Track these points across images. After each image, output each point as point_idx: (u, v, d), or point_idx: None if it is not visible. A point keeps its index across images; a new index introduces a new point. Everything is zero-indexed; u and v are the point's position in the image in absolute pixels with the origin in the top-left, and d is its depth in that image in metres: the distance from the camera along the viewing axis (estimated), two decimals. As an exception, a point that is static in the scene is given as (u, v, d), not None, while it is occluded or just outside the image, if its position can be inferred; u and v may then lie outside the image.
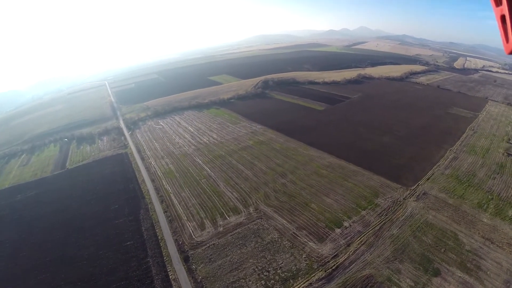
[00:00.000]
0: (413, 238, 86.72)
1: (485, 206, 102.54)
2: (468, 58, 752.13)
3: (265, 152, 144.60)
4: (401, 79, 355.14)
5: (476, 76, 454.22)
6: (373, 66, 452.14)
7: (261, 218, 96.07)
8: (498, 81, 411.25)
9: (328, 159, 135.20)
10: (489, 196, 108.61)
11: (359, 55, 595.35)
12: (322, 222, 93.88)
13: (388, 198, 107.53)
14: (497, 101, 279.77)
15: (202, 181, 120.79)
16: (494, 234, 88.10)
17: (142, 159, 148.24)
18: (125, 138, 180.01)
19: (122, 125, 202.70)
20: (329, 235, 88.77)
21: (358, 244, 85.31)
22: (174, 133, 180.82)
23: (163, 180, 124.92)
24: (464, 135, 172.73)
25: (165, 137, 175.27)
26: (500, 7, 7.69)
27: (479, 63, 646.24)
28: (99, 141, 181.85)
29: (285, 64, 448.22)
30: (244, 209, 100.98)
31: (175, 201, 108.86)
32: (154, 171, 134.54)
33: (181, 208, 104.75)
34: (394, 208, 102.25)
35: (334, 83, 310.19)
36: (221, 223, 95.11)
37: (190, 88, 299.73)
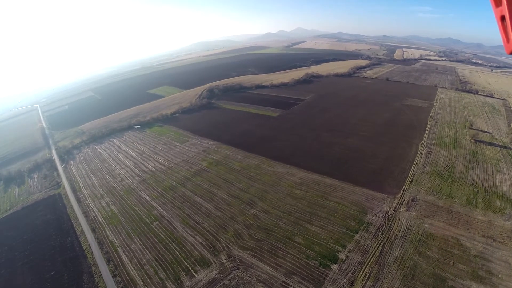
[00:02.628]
0: (418, 257, 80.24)
1: (474, 201, 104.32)
2: (404, 49, 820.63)
3: (223, 175, 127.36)
4: (349, 74, 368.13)
5: (417, 65, 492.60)
6: (317, 64, 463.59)
7: (238, 268, 78.38)
8: (439, 68, 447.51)
9: (299, 175, 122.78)
10: (475, 189, 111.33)
11: (300, 54, 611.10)
12: (313, 259, 79.61)
13: (378, 213, 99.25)
14: (445, 88, 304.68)
15: (154, 224, 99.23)
16: (492, 231, 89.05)
17: (78, 200, 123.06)
18: (58, 174, 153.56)
19: (55, 156, 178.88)
20: (326, 275, 74.85)
21: (363, 280, 73.66)
22: (114, 161, 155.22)
23: (106, 229, 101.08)
24: (428, 127, 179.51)
25: (103, 168, 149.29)
26: (500, 8, 7.83)
27: (416, 53, 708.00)
28: (29, 180, 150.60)
29: (229, 69, 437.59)
30: (214, 259, 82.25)
31: (125, 258, 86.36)
32: (93, 216, 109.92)
33: (133, 267, 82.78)
34: (388, 224, 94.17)
35: (283, 85, 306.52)
36: (188, 283, 75.37)
37: (129, 105, 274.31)
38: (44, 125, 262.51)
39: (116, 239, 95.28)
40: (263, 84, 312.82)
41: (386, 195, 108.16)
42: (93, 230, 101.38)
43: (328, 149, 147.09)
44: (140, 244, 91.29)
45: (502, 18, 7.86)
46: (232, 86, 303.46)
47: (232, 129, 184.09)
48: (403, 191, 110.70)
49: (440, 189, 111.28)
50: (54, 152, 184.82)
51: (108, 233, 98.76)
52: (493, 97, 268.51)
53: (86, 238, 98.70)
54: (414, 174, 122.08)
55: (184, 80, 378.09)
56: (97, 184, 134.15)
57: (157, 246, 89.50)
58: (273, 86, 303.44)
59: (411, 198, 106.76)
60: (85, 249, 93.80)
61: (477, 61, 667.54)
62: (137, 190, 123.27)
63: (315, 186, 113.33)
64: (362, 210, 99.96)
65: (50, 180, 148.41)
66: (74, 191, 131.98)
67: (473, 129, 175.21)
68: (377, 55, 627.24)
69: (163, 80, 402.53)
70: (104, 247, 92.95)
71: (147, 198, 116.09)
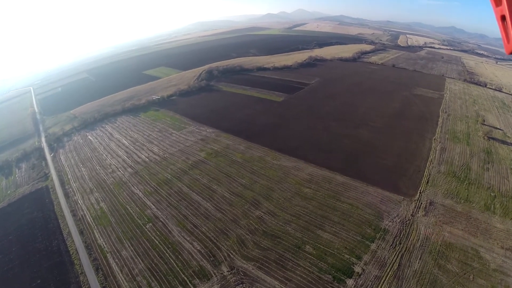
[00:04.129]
0: (438, 270, 72.74)
1: (492, 207, 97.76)
2: (408, 35, 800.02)
3: (224, 168, 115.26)
4: (353, 59, 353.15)
5: (422, 53, 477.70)
6: (320, 47, 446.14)
7: (243, 283, 67.76)
8: (445, 57, 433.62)
9: (307, 170, 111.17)
10: (492, 194, 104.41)
11: (302, 37, 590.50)
12: (326, 273, 69.50)
13: (395, 218, 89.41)
14: (453, 78, 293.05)
15: (147, 226, 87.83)
16: (511, 241, 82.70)
17: (66, 196, 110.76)
18: (47, 164, 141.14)
19: (44, 144, 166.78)
20: (341, 294, 64.73)
21: (381, 299, 63.54)
22: (105, 150, 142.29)
23: (94, 231, 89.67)
24: (440, 120, 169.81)
25: (94, 158, 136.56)
26: (500, 7, 7.83)
27: (421, 40, 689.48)
28: (17, 170, 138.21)
29: (228, 50, 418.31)
30: (215, 270, 71.32)
31: (115, 267, 75.44)
32: (82, 215, 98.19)
33: (125, 278, 71.99)
34: (405, 231, 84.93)
35: (286, 68, 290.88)
36: (185, 301, 65.05)
37: (124, 87, 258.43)
38: (36, 110, 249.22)
39: (106, 244, 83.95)
40: (264, 66, 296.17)
41: (402, 197, 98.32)
42: (81, 232, 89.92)
43: (338, 141, 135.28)
44: (132, 250, 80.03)
45: (503, 18, 7.79)
46: (232, 67, 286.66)
47: (232, 115, 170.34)
48: (420, 192, 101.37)
49: (458, 192, 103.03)
50: (43, 139, 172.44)
51: (97, 236, 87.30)
52: (502, 91, 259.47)
53: (73, 241, 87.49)
54: (430, 174, 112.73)
55: (182, 61, 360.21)
56: (86, 176, 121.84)
57: (150, 253, 78.25)
58: (276, 69, 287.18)
59: (428, 201, 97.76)
60: (72, 254, 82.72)
61: (481, 52, 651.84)
62: (129, 184, 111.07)
63: (326, 184, 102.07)
64: (377, 214, 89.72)
65: (38, 170, 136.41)
66: (62, 183, 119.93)
67: (485, 125, 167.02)
68: (381, 40, 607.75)
69: (160, 61, 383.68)
70: (92, 252, 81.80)
71: (140, 194, 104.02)
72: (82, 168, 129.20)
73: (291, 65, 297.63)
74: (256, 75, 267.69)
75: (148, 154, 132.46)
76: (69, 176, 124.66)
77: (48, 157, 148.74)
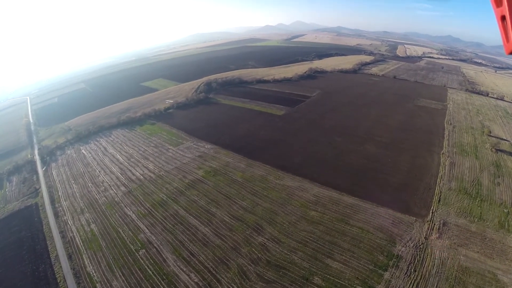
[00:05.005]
0: None
1: (506, 224, 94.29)
2: (406, 45, 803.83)
3: (223, 188, 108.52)
4: (354, 71, 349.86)
5: (422, 63, 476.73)
6: (320, 59, 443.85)
7: (244, 325, 61.01)
8: (445, 67, 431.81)
9: (312, 191, 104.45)
10: (505, 210, 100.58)
11: (301, 48, 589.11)
12: (338, 311, 62.47)
13: (408, 242, 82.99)
14: (455, 88, 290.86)
15: (140, 253, 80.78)
16: None
17: (56, 215, 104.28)
18: (38, 178, 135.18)
19: (37, 157, 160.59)
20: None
21: None
22: (99, 166, 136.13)
23: (84, 256, 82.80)
24: (446, 132, 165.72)
25: (86, 174, 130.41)
26: (500, 8, 7.85)
27: (419, 50, 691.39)
28: (8, 184, 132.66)
29: (227, 62, 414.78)
30: (213, 309, 64.58)
31: None
32: (71, 237, 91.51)
33: None
34: (420, 256, 78.76)
35: (286, 80, 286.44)
36: None
37: (120, 99, 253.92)
38: (31, 120, 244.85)
39: (95, 272, 76.85)
40: (264, 78, 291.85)
41: (414, 218, 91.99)
42: (69, 257, 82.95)
43: (344, 158, 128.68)
44: (123, 281, 72.82)
45: (503, 18, 7.84)
46: (231, 80, 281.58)
47: (232, 130, 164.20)
48: (432, 212, 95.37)
49: (471, 210, 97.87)
50: (36, 152, 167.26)
51: (86, 263, 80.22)
52: (504, 100, 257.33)
53: (61, 266, 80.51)
54: (441, 191, 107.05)
55: (180, 73, 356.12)
56: (77, 194, 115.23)
57: (143, 285, 70.92)
58: (276, 81, 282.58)
59: (441, 221, 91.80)
60: (60, 282, 75.78)
61: (479, 61, 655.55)
62: (122, 204, 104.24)
63: (333, 207, 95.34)
64: (390, 238, 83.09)
65: (29, 185, 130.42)
66: (52, 201, 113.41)
67: (492, 136, 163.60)
68: (380, 51, 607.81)
69: (158, 72, 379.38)
70: (81, 281, 74.72)
71: (133, 216, 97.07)
72: (74, 185, 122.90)
73: (291, 77, 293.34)
74: (256, 87, 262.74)
75: (143, 172, 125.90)
76: (59, 193, 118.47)
77: (40, 171, 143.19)
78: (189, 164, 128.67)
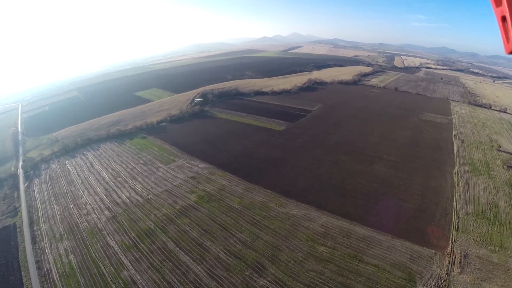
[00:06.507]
0: None
1: None
2: (403, 56, 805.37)
3: (218, 217, 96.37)
4: (354, 82, 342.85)
5: (421, 74, 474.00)
6: (319, 69, 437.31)
7: None
8: (444, 78, 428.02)
9: (320, 220, 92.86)
10: None
11: (299, 59, 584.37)
12: None
13: (429, 280, 73.61)
14: (457, 101, 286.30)
15: (121, 295, 69.30)
16: None
17: (34, 240, 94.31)
18: (19, 195, 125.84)
19: (20, 170, 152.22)
20: None
21: None
22: (83, 185, 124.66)
23: None
24: (455, 148, 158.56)
25: (69, 193, 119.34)
26: (500, 8, 7.78)
27: (416, 61, 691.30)
28: None
29: (224, 72, 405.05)
30: None
31: None
32: (48, 269, 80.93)
33: None
34: None
35: (285, 92, 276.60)
36: None
37: (112, 109, 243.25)
38: (19, 129, 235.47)
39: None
40: (262, 90, 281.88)
41: (433, 251, 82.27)
42: (44, 294, 71.55)
43: (352, 181, 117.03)
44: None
45: (503, 18, 7.77)
46: (228, 91, 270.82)
47: (228, 147, 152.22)
48: (452, 243, 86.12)
49: (491, 237, 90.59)
50: (20, 165, 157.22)
51: (61, 305, 68.65)
52: (507, 113, 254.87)
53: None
54: (458, 217, 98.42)
55: (175, 83, 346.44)
56: (58, 217, 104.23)
57: None
58: (274, 93, 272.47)
59: (462, 253, 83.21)
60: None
61: (476, 70, 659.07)
62: (105, 232, 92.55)
63: (345, 240, 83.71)
64: (409, 277, 72.72)
65: (9, 203, 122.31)
66: (31, 223, 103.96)
67: (501, 151, 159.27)
68: (377, 62, 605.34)
69: (152, 82, 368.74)
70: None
71: (116, 248, 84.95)
72: (55, 206, 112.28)
73: (290, 89, 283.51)
74: (254, 100, 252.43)
75: (130, 194, 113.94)
76: (39, 214, 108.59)
77: (22, 187, 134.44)
78: (180, 186, 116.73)
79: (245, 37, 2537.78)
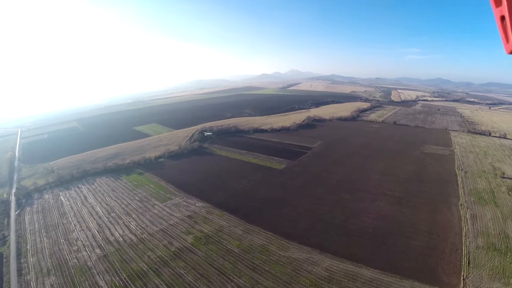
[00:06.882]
0: None
1: None
2: (399, 90, 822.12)
3: (216, 260, 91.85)
4: (353, 118, 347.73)
5: (418, 107, 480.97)
6: (317, 106, 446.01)
7: None
8: (441, 109, 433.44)
9: (324, 264, 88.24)
10: None
11: (298, 96, 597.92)
12: None
13: None
14: (457, 131, 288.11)
15: None
16: None
17: (19, 272, 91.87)
18: (9, 223, 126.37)
19: (13, 197, 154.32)
20: None
21: None
22: (75, 218, 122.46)
23: None
24: (459, 179, 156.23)
25: (60, 226, 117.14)
26: (499, 8, 7.77)
27: (412, 94, 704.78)
28: None
29: (223, 109, 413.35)
30: None
31: None
32: None
33: None
34: None
35: (284, 130, 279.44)
36: None
37: (111, 142, 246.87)
38: (16, 155, 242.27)
39: None
40: (261, 127, 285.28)
41: (445, 291, 77.10)
42: None
43: (356, 220, 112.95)
44: None
45: (502, 18, 7.79)
46: (227, 128, 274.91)
47: (227, 186, 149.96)
48: (463, 279, 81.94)
49: (503, 269, 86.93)
50: (13, 192, 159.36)
51: None
52: (507, 138, 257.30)
53: None
54: (468, 252, 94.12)
55: (174, 119, 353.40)
56: (47, 251, 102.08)
57: None
58: (274, 131, 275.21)
59: None
60: None
61: (471, 99, 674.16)
62: (95, 271, 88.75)
63: (350, 284, 78.55)
64: (422, 322, 67.38)
65: None
66: (19, 254, 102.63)
67: (506, 178, 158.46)
68: (375, 97, 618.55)
69: (152, 117, 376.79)
70: None
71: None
72: (45, 238, 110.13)
73: (290, 126, 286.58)
74: (253, 137, 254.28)
75: (123, 232, 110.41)
76: (28, 246, 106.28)
77: (13, 214, 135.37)
78: (176, 226, 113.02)
79: (245, 74, 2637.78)
